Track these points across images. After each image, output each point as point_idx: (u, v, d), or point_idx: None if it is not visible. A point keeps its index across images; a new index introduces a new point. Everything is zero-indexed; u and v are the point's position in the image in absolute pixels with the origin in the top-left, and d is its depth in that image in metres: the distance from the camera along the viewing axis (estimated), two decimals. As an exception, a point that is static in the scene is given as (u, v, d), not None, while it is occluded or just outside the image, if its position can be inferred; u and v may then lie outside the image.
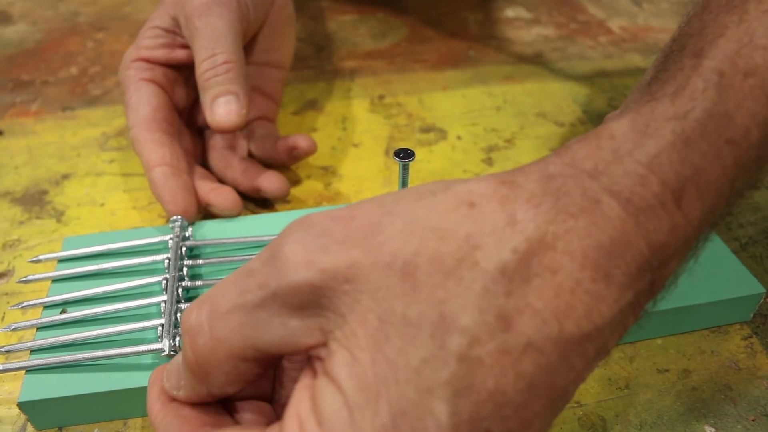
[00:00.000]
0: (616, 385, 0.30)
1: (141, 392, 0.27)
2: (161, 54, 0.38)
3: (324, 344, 0.18)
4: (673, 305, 0.31)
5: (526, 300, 0.17)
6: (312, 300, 0.18)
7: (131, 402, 0.28)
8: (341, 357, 0.17)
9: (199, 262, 0.33)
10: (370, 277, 0.17)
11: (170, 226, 0.34)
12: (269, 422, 0.22)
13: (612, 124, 0.20)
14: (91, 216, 0.39)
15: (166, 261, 0.32)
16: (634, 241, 0.18)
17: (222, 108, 0.34)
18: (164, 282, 0.31)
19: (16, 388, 0.30)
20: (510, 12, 0.62)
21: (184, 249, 0.33)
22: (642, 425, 0.28)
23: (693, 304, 0.31)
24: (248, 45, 0.40)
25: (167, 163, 0.35)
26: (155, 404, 0.22)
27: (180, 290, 0.31)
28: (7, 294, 0.34)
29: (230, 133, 0.35)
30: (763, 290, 0.32)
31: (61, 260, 0.34)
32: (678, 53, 0.21)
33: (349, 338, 0.17)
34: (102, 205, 0.40)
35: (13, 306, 0.31)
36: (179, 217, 0.34)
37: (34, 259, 0.34)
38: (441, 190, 0.19)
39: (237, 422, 0.22)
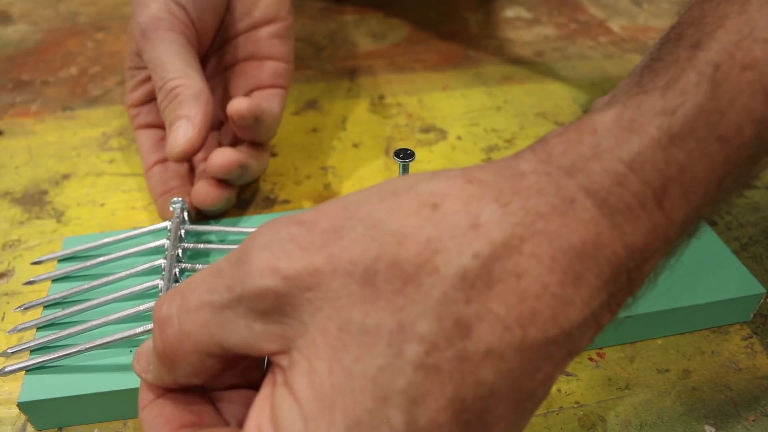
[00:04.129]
0: (616, 385, 0.30)
1: (141, 392, 0.27)
2: (141, 93, 0.39)
3: (285, 352, 0.18)
4: (673, 305, 0.31)
5: (487, 306, 0.17)
6: (276, 306, 0.18)
7: (131, 402, 0.28)
8: (300, 367, 0.17)
9: (200, 246, 0.33)
10: (331, 286, 0.17)
11: (171, 208, 0.34)
12: None
13: (596, 117, 0.19)
14: (91, 216, 0.39)
15: (166, 242, 0.32)
16: (608, 242, 0.18)
17: (171, 137, 0.34)
18: (163, 263, 0.31)
19: (16, 388, 0.30)
20: (510, 12, 0.62)
21: (183, 232, 0.33)
22: (642, 425, 0.28)
23: (693, 304, 0.31)
24: (226, 21, 0.39)
25: (156, 196, 0.38)
26: (144, 398, 0.22)
27: (178, 271, 0.31)
28: (7, 294, 0.34)
29: (185, 161, 0.34)
30: (763, 290, 0.32)
31: (61, 260, 0.34)
32: (674, 42, 0.21)
33: (310, 348, 0.17)
34: (102, 205, 0.40)
35: (17, 308, 0.31)
36: (180, 199, 0.34)
37: (37, 260, 0.34)
38: (404, 190, 0.18)
39: (223, 415, 0.22)
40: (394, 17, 0.61)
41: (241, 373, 0.23)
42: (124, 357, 0.29)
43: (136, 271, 0.31)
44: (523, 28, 0.59)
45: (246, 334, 0.18)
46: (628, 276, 0.18)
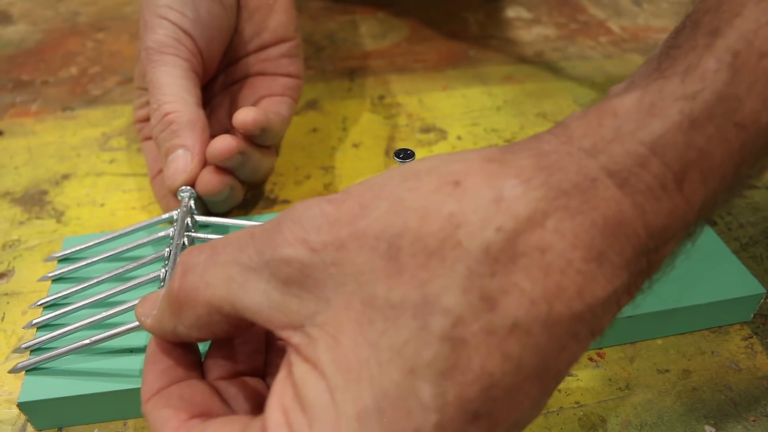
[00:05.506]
0: (616, 385, 0.30)
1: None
2: (146, 112, 0.39)
3: (295, 328, 0.18)
4: (673, 305, 0.31)
5: (512, 280, 0.17)
6: (298, 278, 0.18)
7: (131, 402, 0.28)
8: (323, 342, 0.17)
9: (208, 237, 0.33)
10: (356, 261, 0.17)
11: (179, 196, 0.34)
12: (261, 400, 0.22)
13: (616, 101, 0.19)
14: (91, 216, 0.39)
15: (172, 230, 0.32)
16: (630, 222, 0.18)
17: (170, 168, 0.34)
18: (167, 251, 0.31)
19: (16, 388, 0.30)
20: (510, 12, 0.62)
21: (189, 220, 0.33)
22: (642, 425, 0.28)
23: (693, 304, 0.31)
24: (234, 42, 0.40)
25: (161, 198, 0.37)
26: (148, 390, 0.22)
27: None
28: (7, 294, 0.34)
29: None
30: (764, 290, 0.32)
31: (62, 260, 0.34)
32: (692, 30, 0.21)
33: (333, 323, 0.17)
34: (102, 205, 0.40)
35: (32, 305, 0.31)
36: (188, 187, 0.34)
37: (49, 257, 0.34)
38: (425, 171, 0.19)
39: (228, 402, 0.22)
40: (394, 17, 0.61)
41: (245, 359, 0.23)
42: (124, 358, 0.29)
43: (141, 263, 0.31)
44: (523, 28, 0.59)
45: (261, 299, 0.19)
46: (648, 258, 0.19)
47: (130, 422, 0.29)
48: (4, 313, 0.33)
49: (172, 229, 0.32)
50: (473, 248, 0.17)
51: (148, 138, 0.39)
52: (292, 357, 0.18)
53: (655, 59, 0.21)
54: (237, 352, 0.23)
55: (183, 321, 0.21)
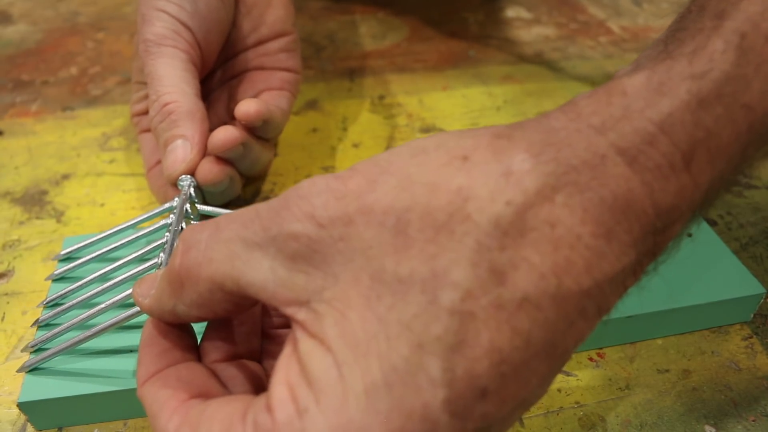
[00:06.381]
0: (616, 385, 0.30)
1: (141, 392, 0.27)
2: (144, 106, 0.39)
3: (301, 304, 0.18)
4: (673, 305, 0.31)
5: (521, 254, 0.17)
6: (306, 253, 0.18)
7: (131, 402, 0.28)
8: (331, 318, 0.17)
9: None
10: (364, 236, 0.17)
11: (179, 185, 0.34)
12: (259, 383, 0.22)
13: (625, 80, 0.19)
14: (91, 216, 0.39)
15: (171, 218, 0.32)
16: (638, 200, 0.18)
17: (169, 157, 0.34)
18: (166, 237, 0.31)
19: (16, 388, 0.30)
20: (510, 12, 0.62)
21: (189, 208, 0.33)
22: (642, 425, 0.28)
23: (693, 304, 0.31)
24: (232, 36, 0.40)
25: (156, 190, 0.37)
26: (144, 373, 0.21)
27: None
28: (7, 294, 0.34)
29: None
30: (764, 290, 0.32)
31: (62, 260, 0.34)
32: (698, 13, 0.21)
33: (340, 299, 0.17)
34: (102, 205, 0.40)
35: (40, 304, 0.31)
36: (188, 176, 0.34)
37: (56, 256, 0.34)
38: (433, 147, 0.19)
39: (225, 385, 0.22)
40: (394, 17, 0.61)
41: (242, 340, 0.23)
42: (125, 358, 0.29)
43: (140, 253, 0.31)
44: (523, 28, 0.59)
45: (267, 276, 0.18)
46: (655, 238, 0.19)
47: (130, 422, 0.29)
48: (4, 313, 0.33)
49: (171, 217, 0.32)
50: (482, 222, 0.17)
51: (146, 130, 0.39)
52: (297, 333, 0.18)
53: (661, 42, 0.21)
54: (234, 334, 0.23)
55: (184, 299, 0.20)
